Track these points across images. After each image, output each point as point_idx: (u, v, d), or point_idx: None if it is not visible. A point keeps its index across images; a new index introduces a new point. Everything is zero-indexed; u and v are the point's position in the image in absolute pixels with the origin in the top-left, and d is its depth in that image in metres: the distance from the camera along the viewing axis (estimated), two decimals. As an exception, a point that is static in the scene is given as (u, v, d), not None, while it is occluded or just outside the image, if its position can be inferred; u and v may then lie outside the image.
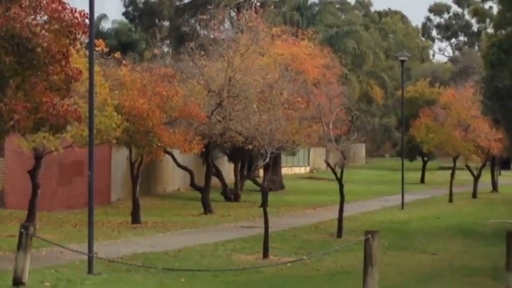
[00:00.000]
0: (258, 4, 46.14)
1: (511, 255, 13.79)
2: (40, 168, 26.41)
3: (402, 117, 45.23)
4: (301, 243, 25.14)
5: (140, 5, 52.97)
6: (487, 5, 25.29)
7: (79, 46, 22.52)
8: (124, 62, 31.81)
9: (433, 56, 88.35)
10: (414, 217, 34.38)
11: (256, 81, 31.52)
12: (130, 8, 53.71)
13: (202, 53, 34.14)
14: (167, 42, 53.27)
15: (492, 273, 17.32)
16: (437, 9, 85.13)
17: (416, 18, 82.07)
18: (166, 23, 53.10)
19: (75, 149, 25.97)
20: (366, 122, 53.51)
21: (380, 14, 78.04)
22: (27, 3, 18.67)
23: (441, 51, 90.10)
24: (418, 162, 61.61)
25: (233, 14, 47.65)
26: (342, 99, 30.36)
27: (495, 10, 29.36)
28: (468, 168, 48.02)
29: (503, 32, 25.76)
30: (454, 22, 78.22)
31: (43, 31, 18.75)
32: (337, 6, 64.05)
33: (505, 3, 24.97)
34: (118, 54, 31.81)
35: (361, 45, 54.21)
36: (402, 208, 37.64)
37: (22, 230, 15.26)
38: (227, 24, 46.71)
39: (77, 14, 18.92)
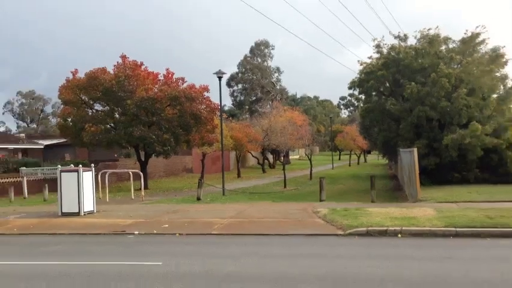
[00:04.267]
0: (279, 98, 69.04)
1: (372, 183, 20.26)
2: (205, 158, 39.43)
3: (331, 137, 68.22)
4: (297, 182, 36.10)
5: (236, 102, 78.53)
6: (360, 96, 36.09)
7: (216, 115, 32.91)
8: (232, 121, 50.77)
9: (341, 114, 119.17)
10: (337, 172, 50.44)
11: (279, 125, 46.55)
12: (235, 102, 78.86)
13: (259, 116, 53.73)
14: (248, 113, 75.22)
15: (365, 191, 23.29)
16: (342, 98, 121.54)
17: (336, 100, 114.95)
18: (247, 106, 76.36)
19: (216, 152, 39.03)
20: (318, 139, 73.54)
21: (322, 101, 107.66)
22: (198, 101, 30.85)
23: (344, 113, 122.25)
24: (337, 153, 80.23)
25: (270, 102, 69.13)
26: (309, 131, 49.06)
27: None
28: (355, 154, 70.90)
29: (366, 105, 33.20)
30: (349, 102, 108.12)
31: (204, 111, 31.09)
32: (307, 97, 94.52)
33: (366, 96, 33.49)
34: (230, 118, 52.31)
35: (316, 112, 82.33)
36: (333, 168, 56.03)
37: (199, 180, 24.80)
38: (268, 105, 65.89)
39: (215, 104, 31.55)
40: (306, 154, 48.15)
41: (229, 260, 10.61)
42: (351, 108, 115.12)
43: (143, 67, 31.97)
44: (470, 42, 28.78)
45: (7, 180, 29.05)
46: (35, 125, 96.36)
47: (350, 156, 70.93)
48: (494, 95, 28.41)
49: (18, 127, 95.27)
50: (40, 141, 47.03)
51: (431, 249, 11.27)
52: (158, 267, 10.07)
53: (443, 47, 29.71)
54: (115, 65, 31.70)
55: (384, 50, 31.37)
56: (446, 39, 29.64)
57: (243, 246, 12.42)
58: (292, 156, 76.42)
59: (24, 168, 29.99)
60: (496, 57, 28.20)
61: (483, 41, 28.71)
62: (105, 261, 10.88)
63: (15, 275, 9.88)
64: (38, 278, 9.40)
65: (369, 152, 78.35)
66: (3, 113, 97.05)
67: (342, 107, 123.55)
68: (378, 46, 31.76)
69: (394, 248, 11.80)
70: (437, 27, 29.69)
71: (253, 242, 13.05)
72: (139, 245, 13.01)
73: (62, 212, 18.36)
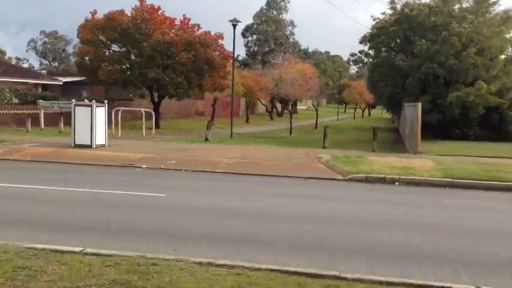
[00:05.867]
0: (291, 51, 66.69)
1: (375, 135, 19.90)
2: (215, 103, 39.78)
3: (339, 91, 67.52)
4: (303, 130, 35.49)
5: (250, 52, 77.26)
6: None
7: (229, 62, 32.39)
8: (244, 69, 50.97)
9: (350, 70, 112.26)
10: (341, 123, 49.70)
11: (289, 76, 44.20)
12: (248, 52, 77.45)
13: (271, 67, 51.24)
14: (260, 64, 70.43)
15: (367, 142, 22.51)
16: (352, 54, 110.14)
17: (346, 56, 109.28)
18: (259, 57, 74.85)
19: (227, 97, 38.03)
20: (326, 91, 72.30)
21: (333, 56, 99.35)
22: (213, 48, 30.81)
23: (353, 69, 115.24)
24: (343, 106, 77.48)
25: (282, 54, 65.47)
26: (318, 84, 47.13)
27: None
28: (360, 107, 70.35)
29: (375, 60, 32.62)
30: (358, 59, 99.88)
31: (217, 57, 31.44)
32: (318, 52, 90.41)
33: (375, 51, 32.56)
34: (242, 67, 50.32)
35: (326, 66, 78.42)
36: (338, 120, 55.43)
37: (208, 122, 25.21)
38: (280, 57, 62.65)
39: (228, 51, 31.55)
40: (313, 105, 47.25)
41: (230, 196, 10.45)
42: (360, 64, 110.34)
43: (160, 11, 31.44)
44: (484, 2, 27.71)
45: (25, 112, 28.91)
46: (56, 64, 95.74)
47: (355, 110, 69.80)
48: (502, 56, 27.58)
49: (40, 64, 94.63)
50: (60, 78, 46.62)
51: (426, 197, 11.02)
52: (161, 198, 9.94)
53: (457, 6, 28.62)
54: (133, 8, 31.27)
55: (398, 7, 30.45)
56: (461, -2, 28.55)
57: (245, 185, 12.25)
58: (300, 107, 75.09)
59: (41, 100, 29.80)
60: (507, 19, 27.21)
61: (496, 2, 27.74)
62: (111, 190, 10.74)
63: (25, 197, 9.79)
64: (48, 202, 9.29)
65: (373, 107, 76.58)
66: (26, 51, 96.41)
67: (351, 63, 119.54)
68: (392, 2, 30.76)
69: (390, 193, 11.55)
70: (453, -15, 28.55)
71: (256, 181, 12.86)
72: (146, 177, 12.87)
73: (75, 144, 18.26)
